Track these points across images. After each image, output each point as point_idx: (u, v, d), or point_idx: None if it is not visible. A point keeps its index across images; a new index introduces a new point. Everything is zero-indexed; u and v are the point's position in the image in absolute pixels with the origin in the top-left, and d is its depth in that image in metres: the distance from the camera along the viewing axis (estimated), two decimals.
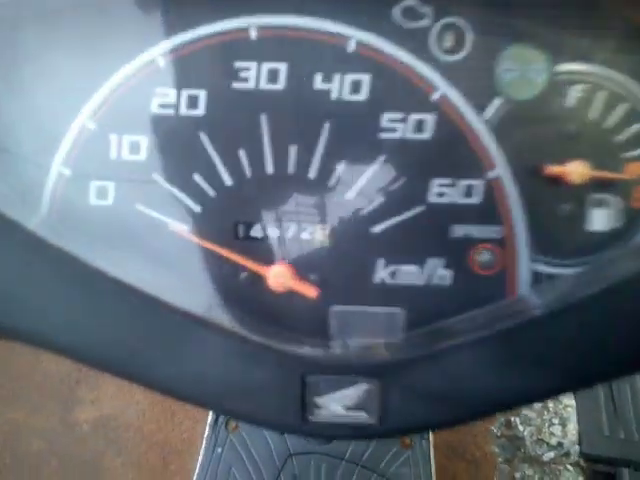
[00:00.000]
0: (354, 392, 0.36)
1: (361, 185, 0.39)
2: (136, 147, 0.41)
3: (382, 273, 0.41)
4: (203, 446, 1.61)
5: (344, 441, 1.68)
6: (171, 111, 0.42)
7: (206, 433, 1.65)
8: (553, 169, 0.36)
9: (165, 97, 0.42)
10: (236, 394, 0.39)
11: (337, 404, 0.37)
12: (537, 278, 0.42)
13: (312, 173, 0.40)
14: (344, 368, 0.37)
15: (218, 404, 0.39)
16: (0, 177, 0.41)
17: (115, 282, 0.39)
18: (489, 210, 0.39)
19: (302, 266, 0.40)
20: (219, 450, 1.63)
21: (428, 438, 1.69)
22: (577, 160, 0.35)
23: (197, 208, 0.40)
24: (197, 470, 1.60)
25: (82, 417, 2.26)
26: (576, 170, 0.35)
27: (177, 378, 0.40)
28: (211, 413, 1.76)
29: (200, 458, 1.60)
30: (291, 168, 0.40)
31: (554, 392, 0.38)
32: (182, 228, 0.40)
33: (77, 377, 2.26)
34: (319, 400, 0.37)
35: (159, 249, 0.42)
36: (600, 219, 0.35)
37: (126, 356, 0.40)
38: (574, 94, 0.35)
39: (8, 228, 0.39)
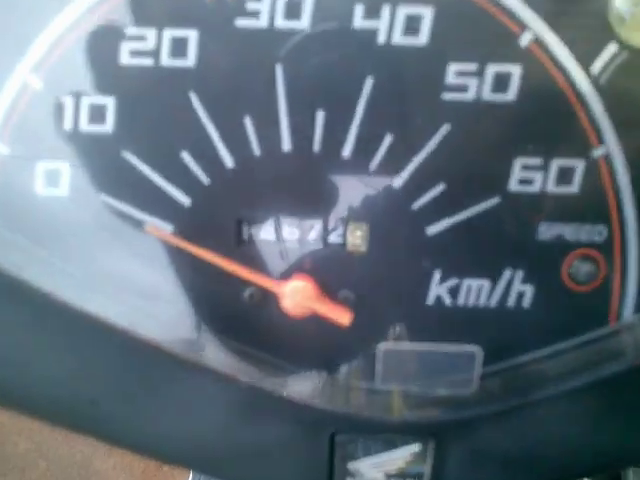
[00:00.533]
0: (401, 456, 0.28)
1: (415, 168, 0.28)
2: (100, 114, 0.29)
3: (439, 290, 0.30)
4: None
5: None
6: (149, 61, 0.30)
7: None
8: None
9: (140, 41, 0.30)
10: (243, 457, 0.29)
11: (376, 471, 0.28)
12: None
13: (347, 151, 0.29)
14: (389, 426, 0.28)
15: (219, 470, 0.30)
16: None
17: (76, 312, 0.28)
18: (592, 203, 0.29)
19: (330, 281, 0.29)
20: None
21: None
22: None
23: (186, 201, 0.29)
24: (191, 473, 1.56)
25: None
26: None
27: (164, 438, 0.29)
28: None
29: None
30: (317, 144, 0.29)
31: None
32: (164, 228, 0.29)
33: None
34: (353, 466, 0.28)
35: (132, 257, 0.31)
36: None
37: (91, 409, 0.29)
38: None
39: None
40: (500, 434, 0.30)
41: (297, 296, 0.30)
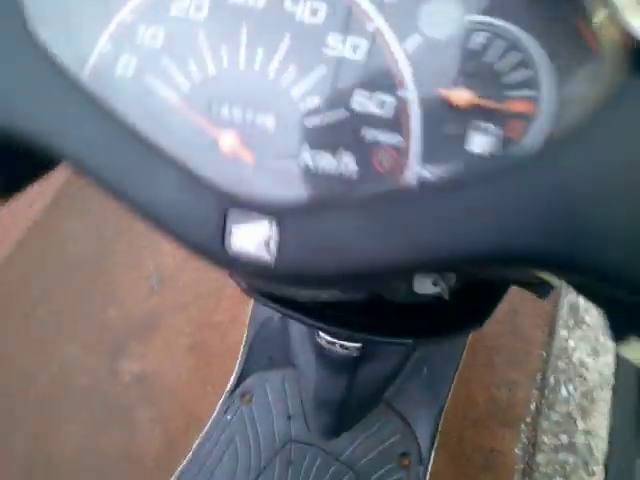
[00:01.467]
0: (259, 230, 0.41)
1: (305, 86, 0.46)
2: (155, 36, 0.48)
3: (306, 155, 0.45)
4: (216, 410, 1.73)
5: (344, 442, 1.73)
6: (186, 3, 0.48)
7: (221, 399, 1.77)
8: (447, 93, 0.44)
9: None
10: (168, 210, 0.43)
11: (248, 239, 0.42)
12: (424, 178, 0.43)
13: (272, 73, 0.47)
14: (254, 205, 0.42)
15: (147, 210, 0.43)
16: (62, 26, 0.48)
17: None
18: (394, 121, 0.44)
19: (248, 139, 0.46)
20: (229, 417, 1.73)
21: (427, 465, 1.70)
22: (467, 89, 0.44)
23: (187, 85, 0.47)
24: (205, 429, 1.70)
25: (127, 368, 2.46)
26: (463, 96, 0.44)
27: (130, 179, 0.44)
28: (230, 383, 1.87)
29: (210, 420, 1.70)
30: (257, 65, 0.47)
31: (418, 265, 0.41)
32: (174, 97, 0.47)
33: (133, 333, 2.50)
34: (235, 229, 0.42)
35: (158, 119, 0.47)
36: (478, 142, 0.41)
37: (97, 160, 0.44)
38: (477, 40, 0.43)
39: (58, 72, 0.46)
40: (317, 227, 0.41)
41: (229, 142, 0.46)
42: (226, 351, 2.27)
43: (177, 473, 1.60)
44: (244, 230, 0.41)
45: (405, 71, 0.43)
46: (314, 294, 0.59)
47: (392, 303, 0.80)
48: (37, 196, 3.00)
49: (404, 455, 1.69)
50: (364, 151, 0.43)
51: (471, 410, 2.26)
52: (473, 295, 0.78)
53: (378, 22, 0.43)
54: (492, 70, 0.41)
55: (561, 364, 2.35)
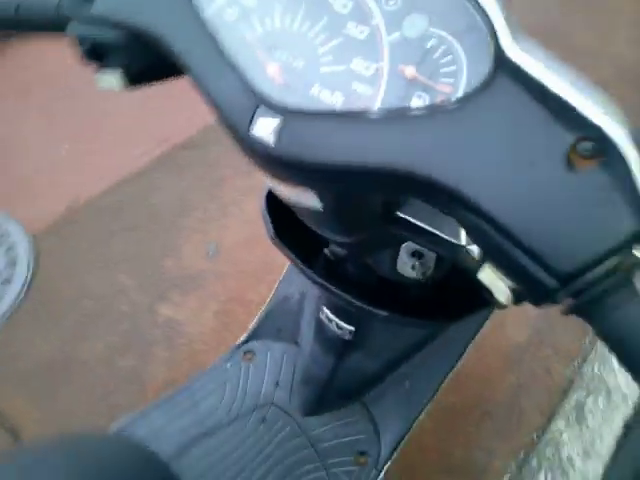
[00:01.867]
0: (272, 122, 0.51)
1: (327, 48, 0.55)
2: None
3: (315, 88, 0.54)
4: (220, 357, 2.00)
5: (315, 422, 1.93)
6: None
7: (229, 350, 2.04)
8: (404, 69, 0.56)
9: None
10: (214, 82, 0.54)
11: (264, 126, 0.52)
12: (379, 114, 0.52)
13: (310, 35, 0.56)
14: (274, 107, 0.52)
15: (214, 96, 0.53)
16: None
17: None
18: (371, 80, 0.54)
19: (284, 70, 0.55)
20: (228, 365, 1.96)
21: (380, 472, 1.85)
22: (417, 70, 0.52)
23: (261, 31, 0.55)
24: (206, 369, 1.97)
25: (162, 311, 2.79)
26: (413, 73, 0.65)
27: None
28: (239, 339, 2.14)
29: (212, 363, 1.94)
30: (304, 29, 0.56)
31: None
32: (251, 37, 0.56)
33: (178, 284, 2.80)
34: (258, 119, 0.52)
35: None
36: (416, 102, 0.51)
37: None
38: (431, 42, 0.51)
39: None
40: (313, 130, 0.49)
41: (275, 70, 0.54)
42: (247, 325, 2.51)
43: (170, 392, 1.84)
44: (264, 120, 0.52)
45: (385, 52, 0.54)
46: (305, 199, 0.70)
47: (380, 281, 0.93)
48: (146, 150, 3.27)
49: (363, 454, 1.78)
50: (350, 94, 0.53)
51: (446, 460, 2.30)
52: (452, 293, 0.91)
53: (378, 20, 0.54)
54: (435, 62, 0.52)
55: (548, 452, 2.35)
